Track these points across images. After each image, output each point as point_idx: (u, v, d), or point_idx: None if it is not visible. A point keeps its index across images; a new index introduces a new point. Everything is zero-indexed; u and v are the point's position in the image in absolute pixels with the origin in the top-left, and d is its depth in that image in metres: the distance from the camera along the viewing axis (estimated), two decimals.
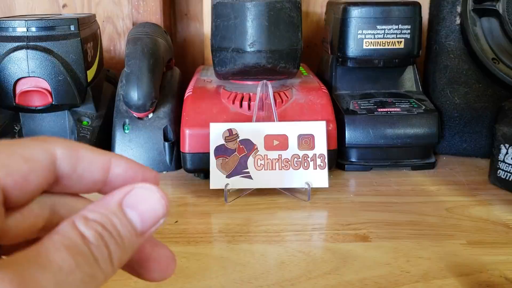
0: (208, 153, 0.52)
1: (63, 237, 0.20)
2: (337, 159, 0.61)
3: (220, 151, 0.52)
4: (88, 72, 0.61)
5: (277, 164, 0.52)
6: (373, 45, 0.63)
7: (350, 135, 0.60)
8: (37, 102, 0.58)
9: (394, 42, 0.63)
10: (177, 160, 0.61)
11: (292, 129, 0.53)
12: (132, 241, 0.21)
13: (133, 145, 0.61)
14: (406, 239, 0.44)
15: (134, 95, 0.56)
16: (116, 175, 0.23)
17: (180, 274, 0.39)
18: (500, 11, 0.59)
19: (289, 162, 0.52)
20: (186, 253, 0.42)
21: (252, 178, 0.52)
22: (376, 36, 0.62)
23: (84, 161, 0.22)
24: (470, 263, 0.40)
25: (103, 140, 0.63)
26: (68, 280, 0.18)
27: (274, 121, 0.54)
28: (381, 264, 0.40)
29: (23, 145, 0.22)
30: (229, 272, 0.39)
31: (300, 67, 0.68)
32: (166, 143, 0.61)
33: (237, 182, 0.52)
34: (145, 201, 0.22)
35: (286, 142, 0.52)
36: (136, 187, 0.22)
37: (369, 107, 0.62)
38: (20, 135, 0.61)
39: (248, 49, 0.55)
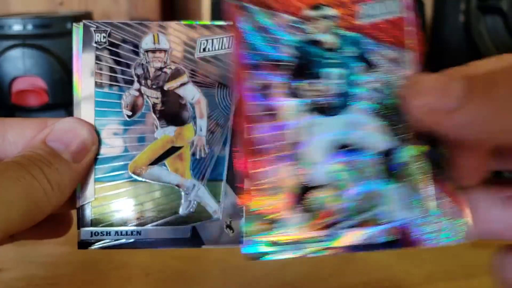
0: None
1: None
2: None
3: None
4: None
5: None
6: None
7: None
8: (33, 101, 0.58)
9: None
10: None
11: None
12: (66, 167, 0.23)
13: None
14: None
15: None
16: None
17: (179, 278, 0.38)
18: (505, 9, 0.59)
19: None
20: (184, 256, 0.41)
21: None
22: None
23: (13, 128, 0.25)
24: (474, 265, 0.40)
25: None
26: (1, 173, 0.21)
27: None
28: (384, 267, 0.40)
29: None
30: (229, 276, 0.39)
31: None
32: None
33: None
34: (69, 132, 0.24)
35: None
36: (58, 122, 0.24)
37: None
38: None
39: None
